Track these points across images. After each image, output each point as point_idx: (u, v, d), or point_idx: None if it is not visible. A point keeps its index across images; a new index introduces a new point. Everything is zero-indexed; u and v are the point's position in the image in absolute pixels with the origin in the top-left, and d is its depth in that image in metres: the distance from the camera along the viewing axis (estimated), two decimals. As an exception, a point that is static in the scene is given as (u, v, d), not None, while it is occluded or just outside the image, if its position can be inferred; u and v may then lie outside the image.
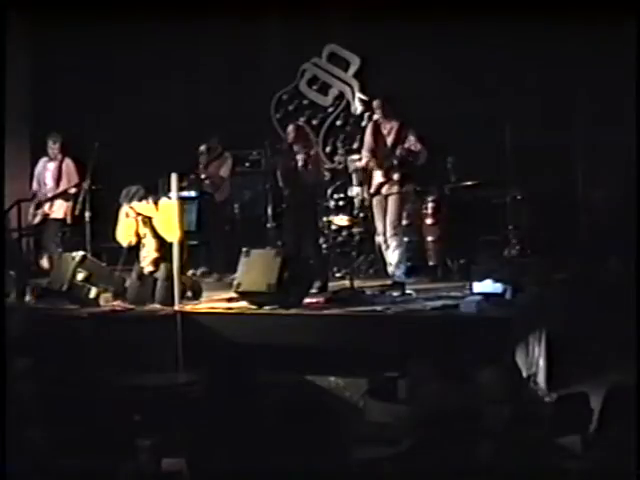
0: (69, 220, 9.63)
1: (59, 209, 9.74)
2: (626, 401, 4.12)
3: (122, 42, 10.83)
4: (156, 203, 7.76)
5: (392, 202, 8.27)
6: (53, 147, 9.79)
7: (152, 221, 7.72)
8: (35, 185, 9.97)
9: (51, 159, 9.86)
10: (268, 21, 10.59)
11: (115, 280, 8.01)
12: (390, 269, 8.38)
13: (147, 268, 7.78)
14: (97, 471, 4.29)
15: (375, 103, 8.39)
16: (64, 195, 9.70)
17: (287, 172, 8.52)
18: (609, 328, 7.31)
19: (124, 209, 7.79)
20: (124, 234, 7.82)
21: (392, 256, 8.33)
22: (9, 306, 7.58)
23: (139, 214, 7.73)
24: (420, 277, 8.48)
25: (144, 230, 7.78)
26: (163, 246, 7.65)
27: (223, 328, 7.17)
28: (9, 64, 6.91)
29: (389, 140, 8.24)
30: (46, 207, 9.79)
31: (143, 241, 7.82)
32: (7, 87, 7.55)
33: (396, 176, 8.18)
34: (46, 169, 9.90)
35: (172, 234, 7.49)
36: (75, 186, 9.58)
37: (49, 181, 9.85)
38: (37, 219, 9.87)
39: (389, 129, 8.27)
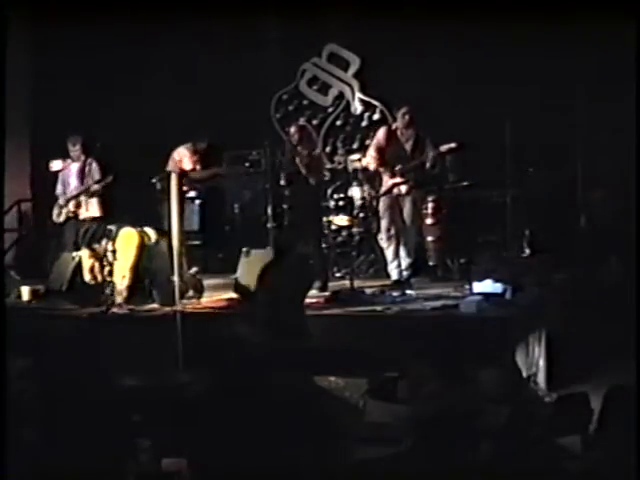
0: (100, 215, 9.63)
1: (85, 208, 9.70)
2: (626, 401, 4.11)
3: (122, 42, 10.82)
4: (114, 240, 7.77)
5: (410, 204, 8.46)
6: (74, 149, 9.78)
7: (115, 255, 7.76)
8: (59, 187, 9.94)
9: (74, 161, 9.85)
10: (268, 21, 10.58)
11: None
12: (402, 268, 8.40)
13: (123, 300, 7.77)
14: (97, 471, 4.29)
15: (402, 111, 8.57)
16: (88, 193, 9.68)
17: (289, 172, 8.52)
18: (609, 328, 7.31)
19: (84, 252, 7.89)
20: (90, 275, 7.89)
21: (406, 256, 8.45)
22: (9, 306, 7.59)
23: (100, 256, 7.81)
24: (420, 277, 8.49)
25: (108, 267, 7.79)
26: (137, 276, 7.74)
27: (223, 328, 7.18)
28: (9, 64, 6.91)
29: (407, 146, 8.49)
30: (71, 206, 9.75)
31: (113, 278, 7.81)
32: (7, 87, 7.56)
33: (413, 179, 8.42)
34: (70, 170, 9.89)
35: (127, 261, 7.58)
36: (97, 182, 9.59)
37: (73, 181, 9.82)
38: (61, 218, 9.83)
39: (408, 136, 8.51)
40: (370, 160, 8.62)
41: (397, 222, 8.47)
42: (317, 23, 10.29)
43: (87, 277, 7.93)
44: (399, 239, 8.46)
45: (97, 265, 7.85)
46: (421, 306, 7.34)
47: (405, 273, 8.41)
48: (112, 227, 8.10)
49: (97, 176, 9.64)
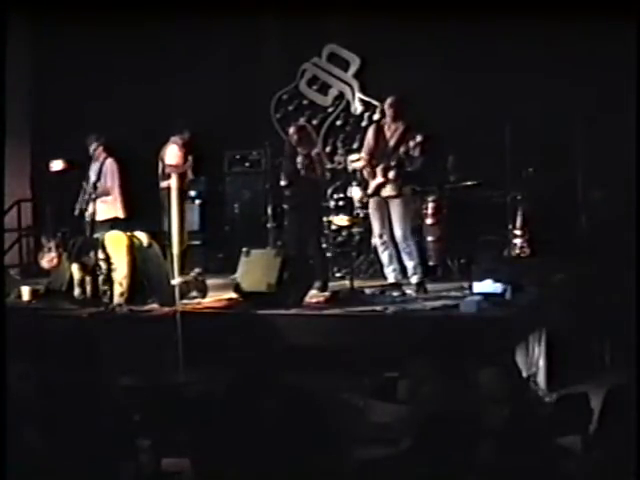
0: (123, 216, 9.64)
1: (99, 210, 9.67)
2: (626, 401, 4.11)
3: (122, 41, 10.82)
4: (103, 247, 7.74)
5: (398, 207, 7.95)
6: (93, 149, 9.74)
7: (109, 261, 7.73)
8: (84, 186, 9.93)
9: (94, 160, 9.83)
10: (268, 21, 10.58)
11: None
12: (409, 272, 8.12)
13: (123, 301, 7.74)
14: (97, 471, 4.29)
15: (388, 101, 8.11)
16: (102, 196, 9.65)
17: (289, 172, 8.51)
18: (609, 328, 7.32)
19: (74, 267, 7.88)
20: (79, 289, 7.86)
21: (407, 261, 8.03)
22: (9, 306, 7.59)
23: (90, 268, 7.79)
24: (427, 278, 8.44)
25: (102, 276, 7.76)
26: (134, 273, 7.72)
27: (223, 328, 7.18)
28: (9, 64, 6.92)
29: (391, 142, 7.98)
30: (90, 208, 9.71)
31: (109, 285, 7.78)
32: (7, 87, 7.57)
33: (392, 175, 7.87)
34: (90, 170, 9.87)
35: (122, 262, 7.60)
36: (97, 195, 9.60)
37: (91, 182, 9.81)
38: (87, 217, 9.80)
39: (393, 130, 8.02)
40: (363, 161, 8.27)
41: (387, 227, 8.01)
42: (317, 23, 10.29)
43: (76, 292, 7.87)
44: (394, 245, 8.05)
45: (88, 278, 7.81)
46: (421, 306, 7.34)
47: (415, 278, 8.00)
48: (98, 235, 8.07)
49: (113, 177, 9.62)
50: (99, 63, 10.98)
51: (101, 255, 7.71)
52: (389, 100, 8.12)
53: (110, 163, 9.67)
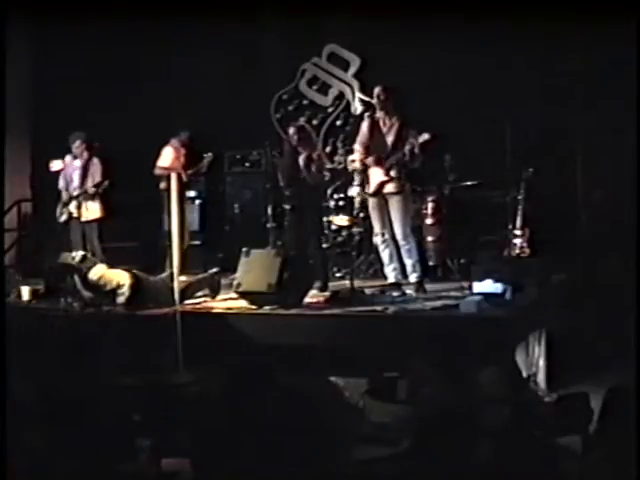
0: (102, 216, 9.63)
1: (86, 209, 9.66)
2: (626, 401, 4.12)
3: (122, 41, 10.82)
4: (79, 274, 7.75)
5: (397, 204, 7.85)
6: (76, 147, 9.71)
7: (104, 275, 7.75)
8: (62, 183, 9.84)
9: (76, 158, 9.78)
10: (268, 21, 10.58)
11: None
12: (408, 270, 8.08)
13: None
14: (97, 471, 4.29)
15: (376, 90, 7.90)
16: (89, 195, 9.63)
17: (289, 173, 8.50)
18: (609, 328, 7.31)
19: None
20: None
21: (406, 259, 7.93)
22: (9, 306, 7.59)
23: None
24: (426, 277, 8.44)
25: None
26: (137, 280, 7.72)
27: (223, 328, 7.18)
28: (9, 64, 6.93)
29: (389, 139, 7.84)
30: (71, 206, 9.69)
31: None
32: (7, 87, 7.57)
33: (394, 174, 7.75)
34: (73, 167, 9.83)
35: (121, 276, 7.67)
36: (95, 186, 9.57)
37: (76, 179, 9.78)
38: (63, 217, 9.77)
39: (389, 127, 7.86)
40: (356, 155, 8.10)
41: (388, 225, 7.91)
42: (317, 23, 10.30)
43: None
44: (395, 243, 7.96)
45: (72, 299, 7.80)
46: (421, 306, 7.33)
47: (414, 276, 7.92)
48: (73, 262, 7.98)
49: (98, 176, 9.62)
50: (100, 63, 10.98)
51: (79, 284, 7.72)
52: (377, 89, 7.93)
53: (96, 162, 9.68)
